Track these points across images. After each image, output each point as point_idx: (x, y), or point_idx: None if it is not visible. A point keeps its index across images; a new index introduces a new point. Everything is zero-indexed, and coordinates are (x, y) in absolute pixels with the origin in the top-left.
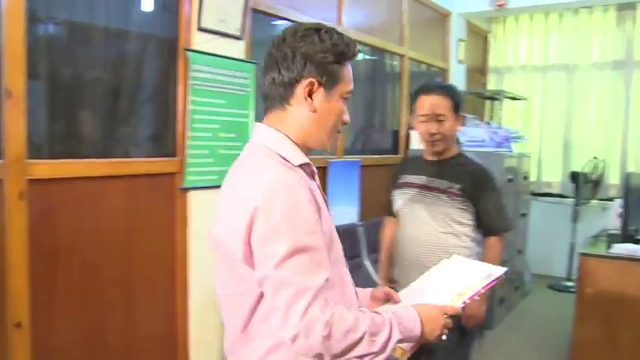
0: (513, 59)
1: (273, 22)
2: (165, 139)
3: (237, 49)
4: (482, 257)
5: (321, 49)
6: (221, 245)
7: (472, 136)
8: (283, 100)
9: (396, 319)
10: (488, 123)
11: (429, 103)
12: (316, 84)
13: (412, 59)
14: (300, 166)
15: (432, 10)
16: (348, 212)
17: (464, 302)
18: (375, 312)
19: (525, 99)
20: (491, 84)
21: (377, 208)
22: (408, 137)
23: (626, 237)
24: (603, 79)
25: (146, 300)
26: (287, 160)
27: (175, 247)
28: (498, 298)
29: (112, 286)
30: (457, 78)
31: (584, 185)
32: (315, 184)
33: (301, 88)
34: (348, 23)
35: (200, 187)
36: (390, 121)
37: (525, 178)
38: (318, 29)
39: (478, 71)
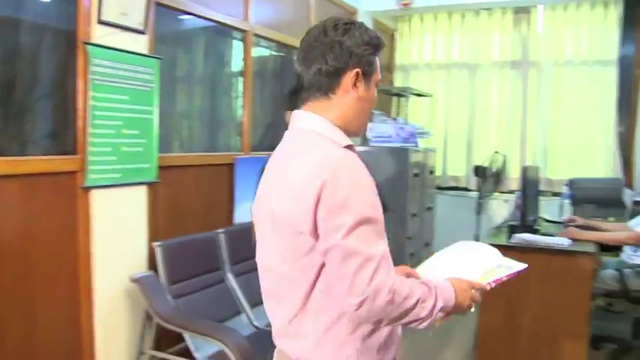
0: (419, 57)
1: (179, 17)
2: (64, 136)
3: (141, 43)
4: None
5: (362, 42)
6: (283, 222)
7: (379, 132)
8: (329, 89)
9: (437, 289)
10: (395, 119)
11: None
12: (360, 74)
13: None
14: (347, 147)
15: (339, 8)
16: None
17: (489, 283)
18: (422, 281)
19: (430, 96)
20: (398, 81)
21: None
22: None
23: (525, 227)
24: (503, 77)
25: (47, 304)
26: (335, 142)
27: (78, 248)
28: None
29: (8, 291)
30: None
31: (487, 179)
32: None
33: (347, 78)
34: (255, 19)
35: (103, 186)
36: None
37: (431, 172)
38: (354, 23)
39: (385, 68)
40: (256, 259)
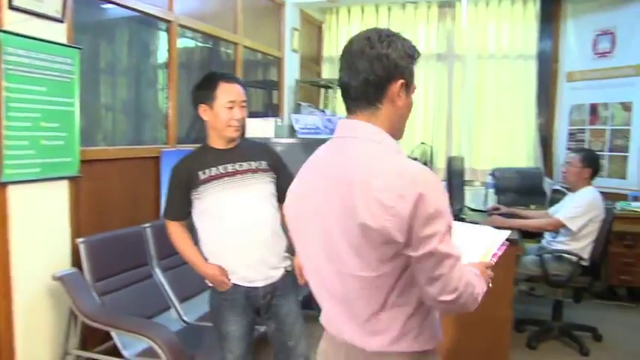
0: None
1: (101, 6)
2: None
3: (58, 32)
4: None
5: (404, 53)
6: (371, 232)
7: (306, 124)
8: (376, 99)
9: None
10: (323, 111)
11: (236, 89)
12: (404, 84)
13: (247, 47)
14: None
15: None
16: None
17: (491, 259)
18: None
19: None
20: (326, 73)
21: None
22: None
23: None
24: (429, 70)
25: None
26: (399, 152)
27: None
28: None
29: None
30: (291, 67)
31: None
32: None
33: (393, 88)
34: (180, 9)
35: (21, 181)
36: None
37: None
38: (395, 35)
39: (313, 60)
40: (305, 258)
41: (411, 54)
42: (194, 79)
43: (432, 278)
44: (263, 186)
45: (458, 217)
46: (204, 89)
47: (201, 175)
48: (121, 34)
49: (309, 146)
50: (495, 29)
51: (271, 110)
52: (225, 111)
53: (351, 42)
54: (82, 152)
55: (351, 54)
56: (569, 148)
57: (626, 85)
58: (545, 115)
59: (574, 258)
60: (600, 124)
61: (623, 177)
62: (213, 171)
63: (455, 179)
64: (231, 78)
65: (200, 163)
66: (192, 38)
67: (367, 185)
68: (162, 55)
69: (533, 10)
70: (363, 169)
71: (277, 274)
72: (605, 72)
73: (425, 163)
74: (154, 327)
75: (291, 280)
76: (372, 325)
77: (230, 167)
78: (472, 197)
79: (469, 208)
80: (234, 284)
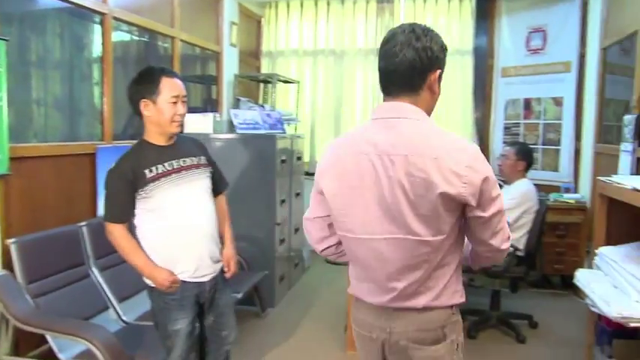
0: (285, 44)
1: None
2: None
3: None
4: (221, 212)
5: (441, 47)
6: (448, 199)
7: (245, 119)
8: (419, 86)
9: None
10: (262, 106)
11: (178, 84)
12: (440, 74)
13: (184, 42)
14: None
15: None
16: None
17: None
18: None
19: (297, 82)
20: (265, 67)
21: None
22: None
23: None
24: (368, 65)
25: None
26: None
27: None
28: (278, 276)
29: None
30: (230, 61)
31: None
32: None
33: (432, 76)
34: (115, 2)
35: None
36: None
37: (299, 158)
38: (432, 30)
39: (252, 55)
40: (350, 232)
41: (445, 48)
42: (130, 73)
43: (495, 232)
44: (205, 181)
45: None
46: (145, 84)
47: (148, 174)
48: (52, 27)
49: (249, 141)
50: (433, 25)
51: (210, 105)
52: (169, 106)
53: (394, 34)
54: (12, 149)
55: (397, 44)
56: (504, 142)
57: (557, 81)
58: (481, 109)
59: (510, 249)
60: (534, 118)
61: (555, 169)
62: (160, 168)
63: None
64: (171, 72)
65: (144, 161)
66: (127, 32)
67: (440, 160)
68: (96, 49)
69: (469, 7)
70: (428, 146)
71: (218, 267)
72: (538, 68)
73: None
74: (90, 328)
75: (222, 274)
76: (425, 286)
77: (175, 163)
78: None
79: None
80: (183, 282)
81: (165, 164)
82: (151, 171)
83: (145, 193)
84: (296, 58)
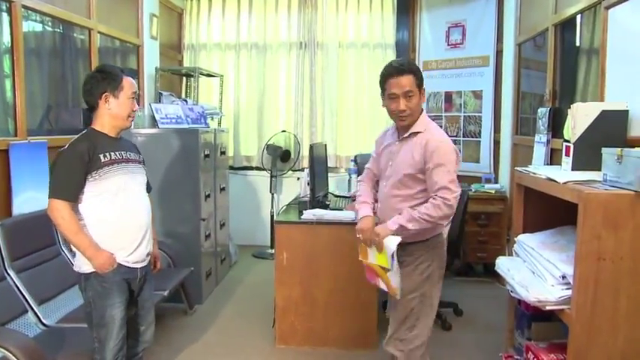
0: (208, 37)
1: None
2: None
3: None
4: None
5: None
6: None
7: (168, 113)
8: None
9: None
10: (185, 100)
11: (134, 83)
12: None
13: (102, 33)
14: None
15: None
16: (37, 198)
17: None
18: None
19: (221, 76)
20: (187, 61)
21: None
22: None
23: (315, 203)
24: (291, 58)
25: None
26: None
27: None
28: (205, 272)
29: None
30: (151, 54)
31: (278, 157)
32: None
33: (422, 92)
34: None
35: None
36: (81, 98)
37: (223, 152)
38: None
39: (174, 48)
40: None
41: (381, 75)
42: (46, 66)
43: (441, 188)
44: (143, 177)
45: (321, 203)
46: (109, 79)
47: (103, 158)
48: None
49: (171, 136)
50: (355, 19)
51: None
52: (129, 102)
53: (410, 62)
54: None
55: (409, 65)
56: None
57: (476, 75)
58: None
59: None
60: (455, 111)
61: (477, 161)
62: (113, 155)
63: (318, 166)
64: (127, 73)
65: (99, 146)
66: (40, 22)
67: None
68: (5, 39)
69: (391, 1)
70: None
71: (148, 258)
72: (458, 62)
73: (287, 151)
74: (5, 334)
75: (150, 266)
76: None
77: (124, 154)
78: (337, 183)
79: (333, 194)
80: (120, 264)
81: (117, 153)
82: (105, 156)
83: (97, 175)
84: (219, 52)
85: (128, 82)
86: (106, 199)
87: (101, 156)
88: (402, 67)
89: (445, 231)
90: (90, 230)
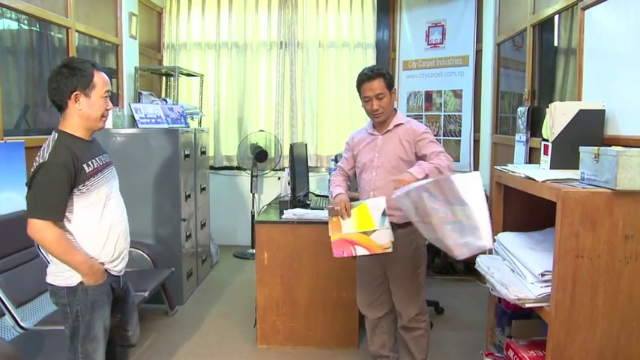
0: (188, 36)
1: None
2: None
3: None
4: None
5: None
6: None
7: (147, 113)
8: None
9: None
10: (165, 100)
11: (107, 79)
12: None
13: (80, 32)
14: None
15: None
16: (14, 199)
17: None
18: None
19: (201, 75)
20: (167, 60)
21: None
22: None
23: (296, 202)
24: (272, 57)
25: None
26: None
27: None
28: (186, 272)
29: None
30: (130, 54)
31: (258, 157)
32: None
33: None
34: None
35: None
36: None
37: (203, 152)
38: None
39: (153, 47)
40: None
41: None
42: (21, 66)
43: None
44: (117, 179)
45: (302, 202)
46: (79, 76)
47: (87, 169)
48: None
49: (151, 136)
50: (335, 18)
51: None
52: (102, 101)
53: (365, 69)
54: None
55: (376, 71)
56: None
57: (456, 74)
58: None
59: None
60: (435, 110)
61: (457, 160)
62: (94, 163)
63: (298, 166)
64: (100, 67)
65: (80, 154)
66: (16, 20)
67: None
68: None
69: (371, 1)
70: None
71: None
72: (438, 61)
73: (266, 151)
74: None
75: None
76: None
77: (101, 159)
78: (317, 183)
79: (314, 193)
80: (109, 273)
81: (96, 159)
82: (88, 166)
83: (85, 188)
84: (199, 51)
85: (100, 78)
86: (96, 210)
87: (85, 166)
88: (373, 72)
89: None
90: (80, 244)
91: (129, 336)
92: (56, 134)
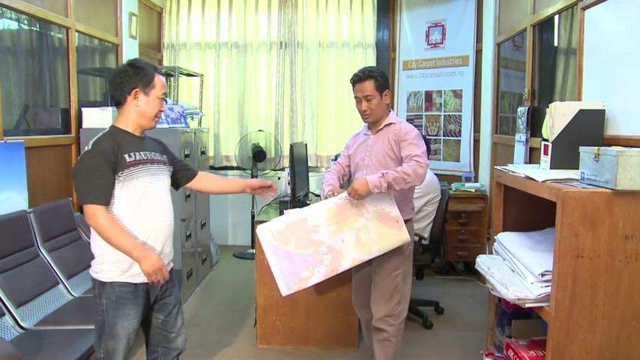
0: (188, 36)
1: None
2: None
3: None
4: (219, 181)
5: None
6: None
7: None
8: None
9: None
10: (165, 100)
11: (165, 83)
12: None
13: (80, 32)
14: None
15: None
16: (14, 199)
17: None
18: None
19: (201, 75)
20: (167, 60)
21: (49, 191)
22: (79, 115)
23: (296, 202)
24: (272, 57)
25: None
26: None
27: None
28: (186, 272)
29: None
30: (130, 54)
31: (256, 157)
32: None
33: (386, 91)
34: None
35: None
36: (60, 98)
37: (203, 152)
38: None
39: (153, 47)
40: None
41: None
42: (23, 65)
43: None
44: (168, 179)
45: (302, 202)
46: (142, 75)
47: (128, 158)
48: None
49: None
50: (335, 18)
51: (110, 99)
52: (158, 101)
53: (358, 71)
54: None
55: (366, 73)
56: None
57: (456, 74)
58: None
59: (415, 238)
60: (435, 110)
61: (457, 160)
62: (137, 155)
63: (298, 166)
64: (160, 71)
65: (123, 145)
66: (16, 20)
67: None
68: None
69: (371, 1)
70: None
71: (170, 265)
72: (438, 61)
73: (262, 152)
74: None
75: (173, 273)
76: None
77: (149, 155)
78: (317, 183)
79: (314, 193)
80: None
81: (141, 152)
82: (130, 156)
83: (123, 176)
84: (199, 51)
85: (160, 80)
86: (131, 201)
87: (126, 156)
88: (364, 74)
89: (427, 230)
90: None
91: (171, 338)
92: (107, 128)
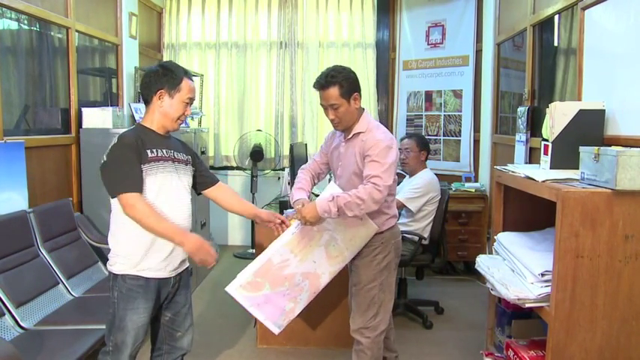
0: (188, 36)
1: None
2: None
3: None
4: (233, 199)
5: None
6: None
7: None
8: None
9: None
10: None
11: (194, 88)
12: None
13: (80, 32)
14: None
15: None
16: (14, 199)
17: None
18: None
19: (201, 75)
20: (167, 60)
21: (49, 191)
22: (79, 115)
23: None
24: (272, 57)
25: None
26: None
27: None
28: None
29: None
30: (130, 53)
31: (254, 156)
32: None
33: (355, 95)
34: None
35: None
36: (59, 98)
37: (203, 152)
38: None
39: (153, 47)
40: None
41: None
42: (23, 65)
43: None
44: (189, 179)
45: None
46: (170, 77)
47: (149, 153)
48: None
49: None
50: (335, 18)
51: (110, 99)
52: (183, 105)
53: (327, 69)
54: None
55: (329, 79)
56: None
57: (456, 74)
58: (384, 101)
59: (415, 238)
60: (435, 110)
61: (457, 160)
62: (159, 152)
63: (299, 166)
64: (190, 75)
65: (146, 140)
66: (16, 20)
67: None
68: None
69: (371, 1)
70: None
71: (185, 264)
72: (438, 61)
73: (260, 151)
74: None
75: (188, 273)
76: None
77: (171, 153)
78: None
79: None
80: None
81: (164, 150)
82: (152, 152)
83: (144, 171)
84: (199, 51)
85: (187, 85)
86: (149, 196)
87: (148, 151)
88: (325, 80)
89: (427, 229)
90: (127, 230)
91: (177, 337)
92: (133, 126)
